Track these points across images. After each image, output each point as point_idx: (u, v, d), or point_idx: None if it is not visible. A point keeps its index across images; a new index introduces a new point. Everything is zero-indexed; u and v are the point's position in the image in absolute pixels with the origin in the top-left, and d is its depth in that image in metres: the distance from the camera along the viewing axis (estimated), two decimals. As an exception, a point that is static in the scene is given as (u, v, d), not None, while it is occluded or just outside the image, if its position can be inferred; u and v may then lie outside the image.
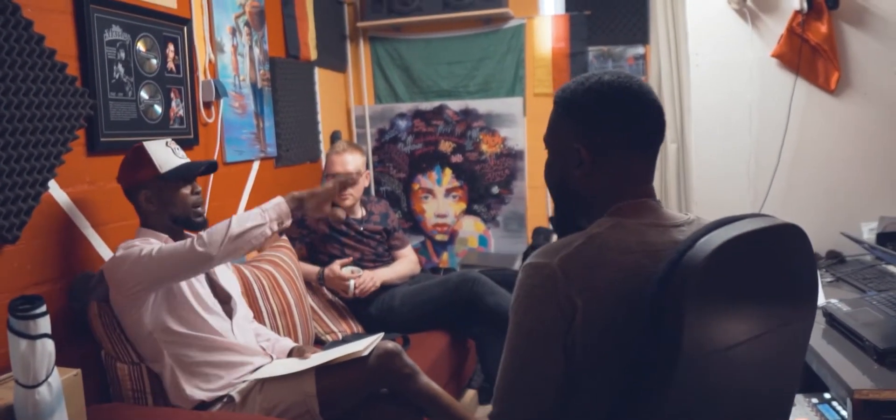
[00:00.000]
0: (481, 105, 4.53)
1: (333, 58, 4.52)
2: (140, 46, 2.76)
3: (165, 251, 2.18)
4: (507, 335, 1.30)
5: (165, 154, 2.38)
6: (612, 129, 1.35)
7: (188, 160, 2.46)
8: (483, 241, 4.61)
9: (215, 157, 3.21)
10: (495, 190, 4.56)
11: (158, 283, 2.21)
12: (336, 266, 3.23)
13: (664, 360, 1.14)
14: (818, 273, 1.51)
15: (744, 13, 3.01)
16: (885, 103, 2.91)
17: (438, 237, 4.71)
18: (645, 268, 1.24)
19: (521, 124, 4.49)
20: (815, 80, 2.97)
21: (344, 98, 4.73)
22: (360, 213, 3.46)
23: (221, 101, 3.27)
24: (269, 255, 3.14)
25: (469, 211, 4.64)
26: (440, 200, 4.68)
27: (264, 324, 2.79)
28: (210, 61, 3.22)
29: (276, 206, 2.29)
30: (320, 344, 3.15)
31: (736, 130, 3.06)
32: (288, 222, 2.29)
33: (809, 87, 2.99)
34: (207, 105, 3.20)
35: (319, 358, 2.35)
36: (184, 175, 2.39)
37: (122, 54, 2.67)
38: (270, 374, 2.31)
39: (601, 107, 1.35)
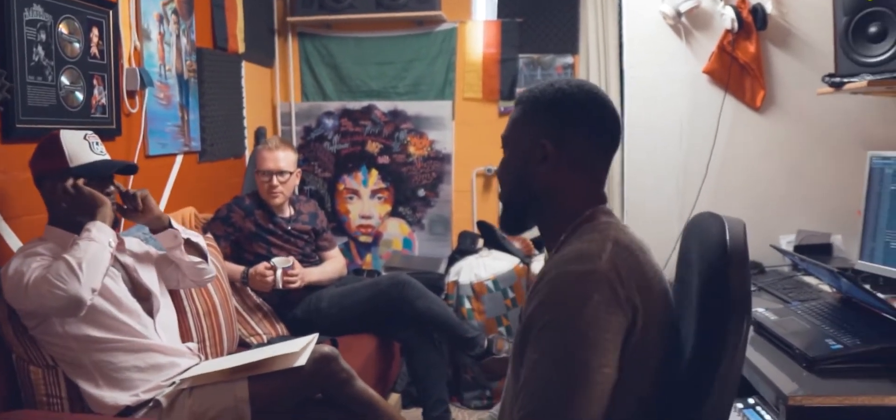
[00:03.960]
0: (410, 107, 4.50)
1: (260, 52, 4.40)
2: (62, 29, 2.61)
3: (40, 282, 1.99)
4: (548, 350, 1.18)
5: (81, 147, 2.23)
6: (579, 126, 1.37)
7: (107, 157, 2.32)
8: (407, 243, 4.58)
9: (137, 149, 3.07)
10: (421, 193, 4.54)
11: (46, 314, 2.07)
12: (260, 267, 3.14)
13: (729, 341, 1.20)
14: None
15: (678, 29, 3.09)
16: (806, 122, 3.04)
17: (362, 238, 4.65)
18: (656, 267, 1.29)
19: (450, 128, 4.48)
20: (742, 97, 3.08)
21: (270, 94, 4.62)
22: (288, 211, 3.37)
23: (146, 90, 3.13)
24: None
25: (394, 213, 4.60)
26: (365, 201, 4.62)
27: (188, 325, 2.67)
28: (136, 48, 3.08)
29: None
30: (245, 347, 3.05)
31: (666, 143, 3.13)
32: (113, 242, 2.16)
33: (737, 103, 3.09)
34: (131, 94, 3.06)
35: (252, 355, 2.27)
36: (94, 173, 2.24)
37: (43, 36, 2.51)
38: (201, 373, 2.21)
39: (573, 104, 1.37)
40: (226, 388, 2.16)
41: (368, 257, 4.64)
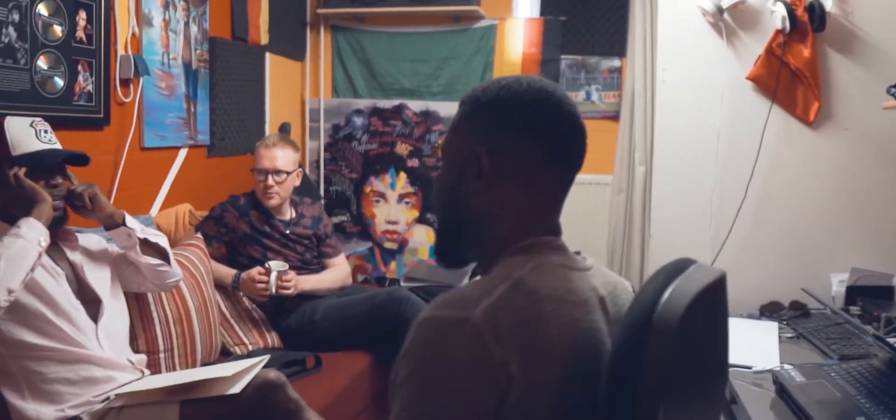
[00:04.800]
0: (443, 108, 4.22)
1: (289, 45, 4.21)
2: (42, 9, 2.45)
3: None
4: (399, 411, 0.93)
5: (26, 135, 2.07)
6: (526, 134, 1.07)
7: (56, 147, 2.15)
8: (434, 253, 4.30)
9: (129, 141, 2.90)
10: (452, 200, 4.24)
11: None
12: (254, 272, 2.92)
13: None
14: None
15: (719, 28, 2.70)
16: (868, 141, 2.62)
17: (387, 245, 4.40)
18: (580, 323, 0.99)
19: (484, 132, 4.18)
20: (792, 110, 2.68)
21: (299, 88, 4.42)
22: (288, 214, 3.15)
23: (141, 80, 2.96)
24: (177, 252, 2.82)
25: (421, 220, 4.33)
26: (392, 206, 4.37)
27: (154, 332, 2.47)
28: (134, 35, 2.91)
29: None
30: (226, 355, 2.84)
31: (700, 159, 2.75)
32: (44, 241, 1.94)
33: (786, 116, 2.69)
34: (126, 83, 2.89)
35: (189, 375, 2.03)
36: (37, 163, 2.07)
37: (16, 16, 2.35)
38: (134, 391, 1.99)
39: (518, 106, 1.07)
40: (156, 411, 1.93)
41: (393, 264, 4.39)
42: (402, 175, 4.33)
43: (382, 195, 4.37)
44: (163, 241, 2.37)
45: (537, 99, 1.07)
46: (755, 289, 2.66)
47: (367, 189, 4.39)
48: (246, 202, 3.08)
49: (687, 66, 2.75)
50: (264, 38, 3.89)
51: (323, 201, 4.36)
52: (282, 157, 3.04)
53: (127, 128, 2.92)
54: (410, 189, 4.33)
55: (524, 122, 1.06)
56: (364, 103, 4.34)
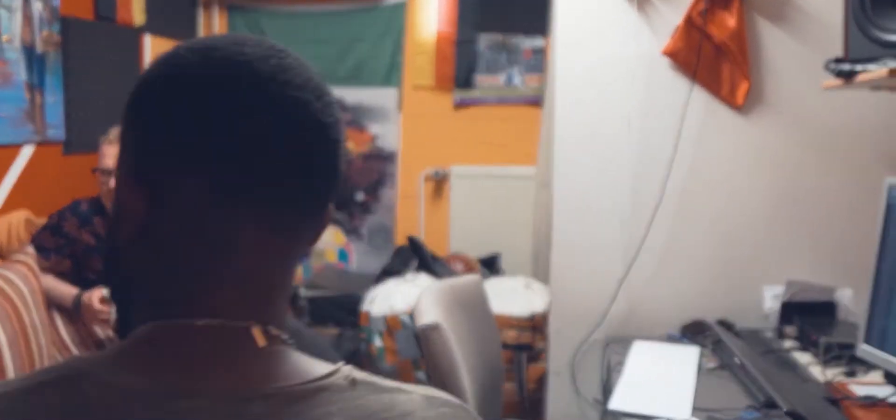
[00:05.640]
0: (350, 95, 3.78)
1: (175, 25, 3.73)
2: None
3: None
4: None
5: None
6: (172, 149, 0.64)
7: None
8: (343, 255, 3.86)
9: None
10: (360, 196, 3.81)
11: None
12: (96, 295, 2.46)
13: None
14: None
15: (629, -5, 2.27)
16: (806, 128, 2.23)
17: (293, 248, 3.94)
18: None
19: (395, 120, 3.75)
20: (717, 91, 2.27)
21: (188, 74, 3.93)
22: (145, 220, 2.68)
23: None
24: (3, 270, 2.36)
25: (329, 220, 3.88)
26: (297, 205, 3.91)
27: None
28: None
29: None
30: None
31: (607, 153, 2.31)
32: None
33: (709, 99, 2.28)
34: (-67, 69, 2.41)
35: None
36: None
37: None
38: None
39: (155, 100, 0.65)
40: None
41: (299, 270, 3.94)
42: (307, 170, 3.87)
43: (285, 193, 3.92)
44: None
45: (207, 83, 0.64)
46: (676, 305, 2.25)
47: (269, 186, 3.93)
48: (89, 208, 2.62)
49: (591, 43, 2.31)
50: (139, 18, 3.41)
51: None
52: (128, 155, 2.57)
53: (-69, 123, 2.44)
54: (315, 186, 3.87)
55: (178, 123, 0.64)
56: (263, 90, 3.87)
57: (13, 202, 2.77)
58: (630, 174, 2.25)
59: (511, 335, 2.96)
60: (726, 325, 2.13)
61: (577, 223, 2.30)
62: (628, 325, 2.27)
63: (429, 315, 1.76)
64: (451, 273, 3.22)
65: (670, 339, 2.19)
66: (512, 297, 3.02)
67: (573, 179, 2.30)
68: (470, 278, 2.22)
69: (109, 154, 2.56)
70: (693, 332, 2.16)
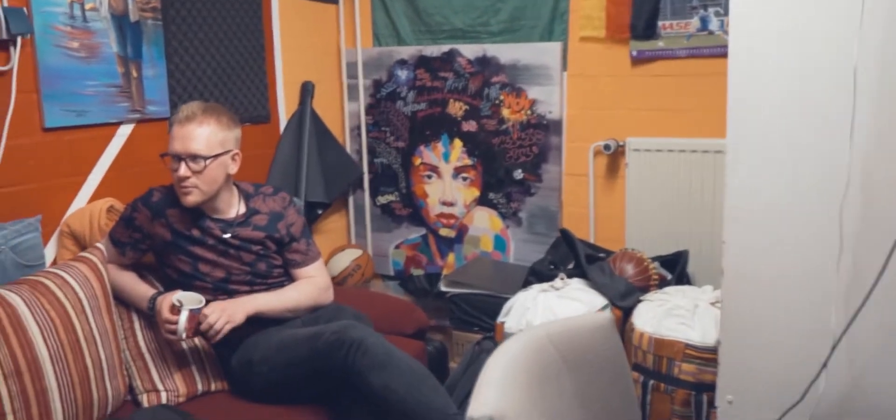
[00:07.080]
0: (504, 52, 3.13)
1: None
2: None
3: None
4: None
5: None
6: None
7: None
8: (500, 243, 3.26)
9: (7, 121, 2.18)
10: (519, 175, 3.17)
11: None
12: (166, 302, 2.11)
13: None
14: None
15: None
16: None
17: (443, 232, 3.41)
18: None
19: (559, 82, 3.05)
20: None
21: (329, 37, 3.50)
22: (231, 210, 2.28)
23: (29, 38, 2.22)
24: (52, 271, 2.07)
25: (483, 201, 3.29)
26: (447, 182, 3.36)
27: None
28: (7, -21, 2.18)
29: None
30: (135, 404, 2.14)
31: (816, 124, 1.47)
32: None
33: None
34: (4, 45, 2.16)
35: None
36: None
37: None
38: None
39: None
40: None
41: (451, 257, 3.40)
42: (458, 142, 3.30)
43: (435, 169, 3.38)
44: None
45: None
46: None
47: (417, 161, 3.41)
48: (162, 198, 2.25)
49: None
50: (264, -26, 3.03)
51: (297, 202, 3.06)
52: (200, 137, 2.15)
53: (5, 103, 2.19)
54: (468, 161, 3.29)
55: None
56: (408, 51, 3.35)
57: (110, 187, 2.51)
58: (859, 163, 1.38)
59: (688, 369, 2.20)
60: None
61: (760, 232, 1.47)
62: (848, 410, 1.43)
63: (487, 399, 1.13)
64: (612, 279, 2.50)
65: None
66: (693, 315, 2.26)
67: (760, 160, 1.48)
68: (592, 319, 1.52)
69: (178, 136, 2.15)
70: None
